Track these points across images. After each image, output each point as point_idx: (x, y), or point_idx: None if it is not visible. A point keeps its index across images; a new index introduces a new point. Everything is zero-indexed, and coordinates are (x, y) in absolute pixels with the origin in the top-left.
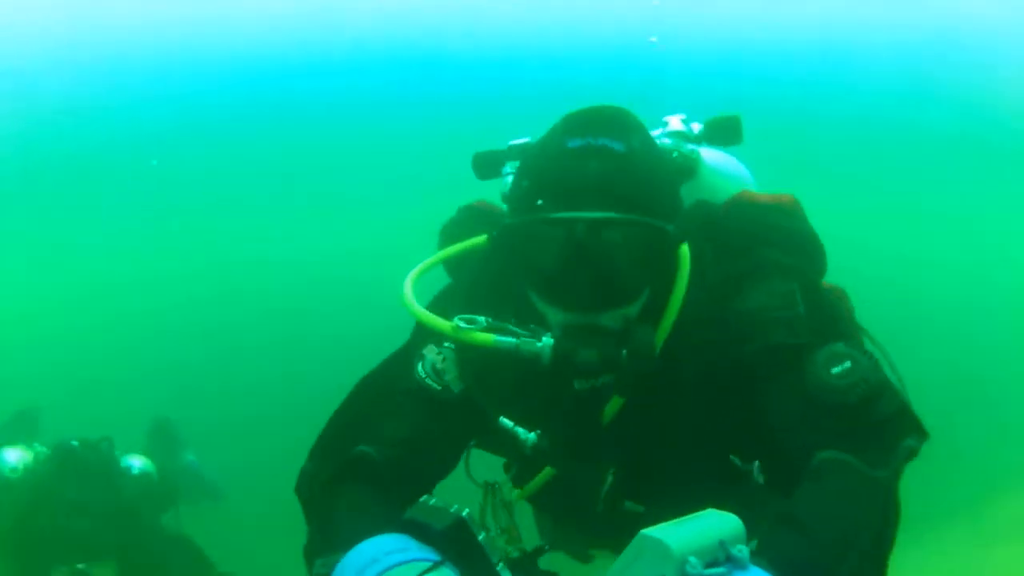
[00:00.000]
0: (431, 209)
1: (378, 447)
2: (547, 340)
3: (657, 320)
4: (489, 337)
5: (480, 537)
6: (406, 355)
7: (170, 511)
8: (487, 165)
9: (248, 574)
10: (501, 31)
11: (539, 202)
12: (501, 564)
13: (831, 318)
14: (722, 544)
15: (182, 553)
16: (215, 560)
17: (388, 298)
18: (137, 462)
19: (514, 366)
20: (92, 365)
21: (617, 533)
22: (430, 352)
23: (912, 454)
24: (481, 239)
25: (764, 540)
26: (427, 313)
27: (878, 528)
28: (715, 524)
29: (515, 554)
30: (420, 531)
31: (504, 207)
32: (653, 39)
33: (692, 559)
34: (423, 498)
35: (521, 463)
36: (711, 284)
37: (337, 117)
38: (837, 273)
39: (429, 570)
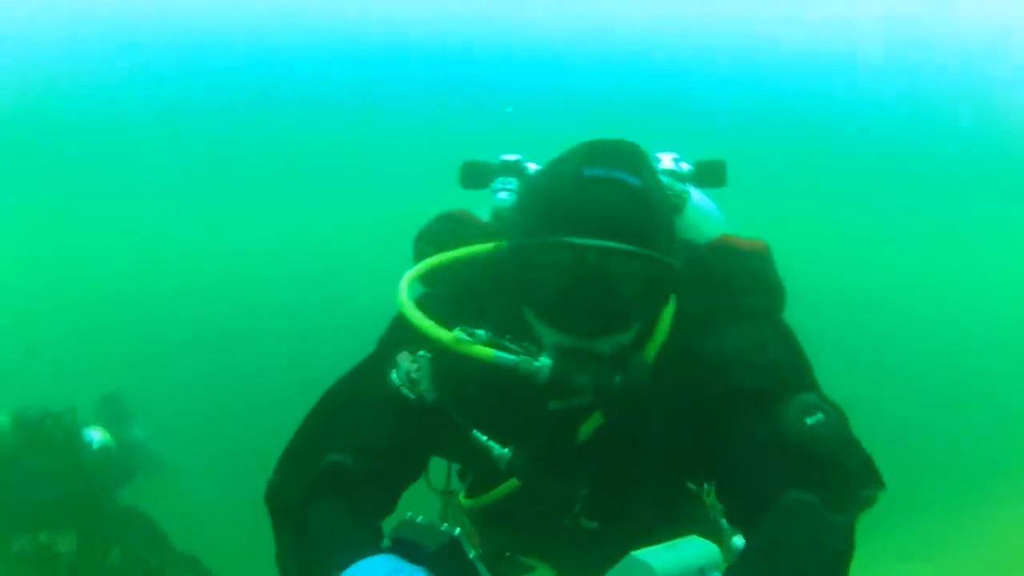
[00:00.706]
0: (405, 206)
1: (350, 455)
2: (544, 360)
3: (644, 348)
4: (490, 352)
5: (472, 556)
6: (377, 362)
7: (128, 485)
8: (475, 176)
9: (199, 548)
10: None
11: (552, 225)
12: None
13: (799, 367)
14: (701, 571)
15: (140, 527)
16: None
17: (348, 291)
18: (97, 435)
19: (493, 380)
20: (52, 340)
21: (568, 549)
22: (404, 360)
23: (871, 502)
24: (486, 247)
25: (735, 570)
26: (426, 320)
27: (835, 568)
28: (696, 551)
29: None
30: (411, 551)
31: (486, 219)
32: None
33: None
34: (409, 515)
35: (480, 474)
36: (689, 320)
37: (324, 109)
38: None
39: None
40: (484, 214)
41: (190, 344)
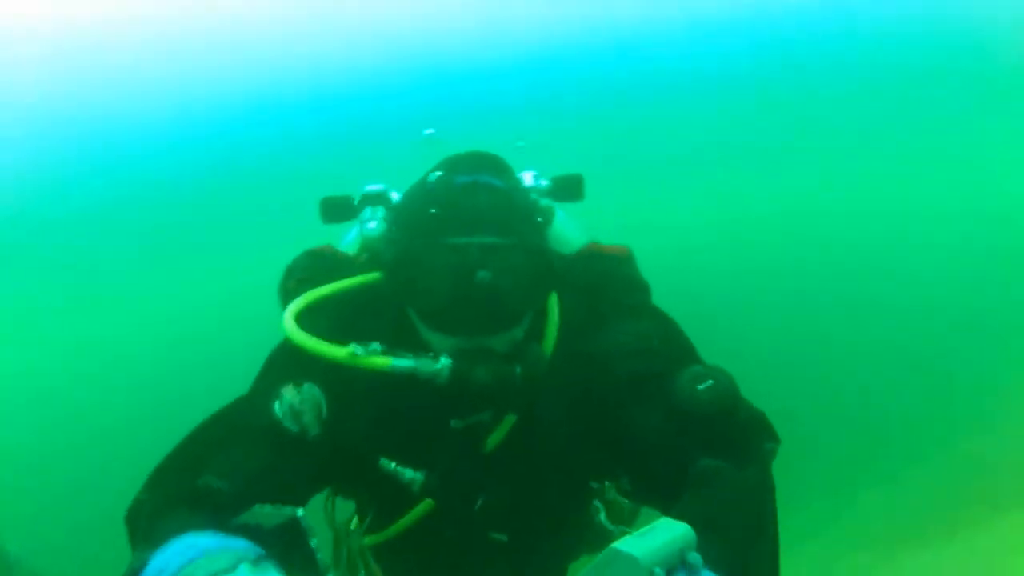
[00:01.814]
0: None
1: (222, 479)
2: (444, 361)
3: (539, 342)
4: (387, 361)
5: (312, 543)
6: (259, 394)
7: None
8: (337, 210)
9: None
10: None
11: (429, 232)
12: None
13: (683, 346)
14: (681, 552)
15: None
16: None
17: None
18: None
19: (390, 403)
20: None
21: (478, 567)
22: (288, 392)
23: (773, 455)
24: (370, 276)
25: None
26: (319, 341)
27: (759, 519)
28: (673, 533)
29: None
30: (249, 532)
31: (351, 252)
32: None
33: (657, 570)
34: (257, 505)
35: (382, 505)
36: (571, 323)
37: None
38: None
39: (253, 561)
40: (345, 247)
41: None
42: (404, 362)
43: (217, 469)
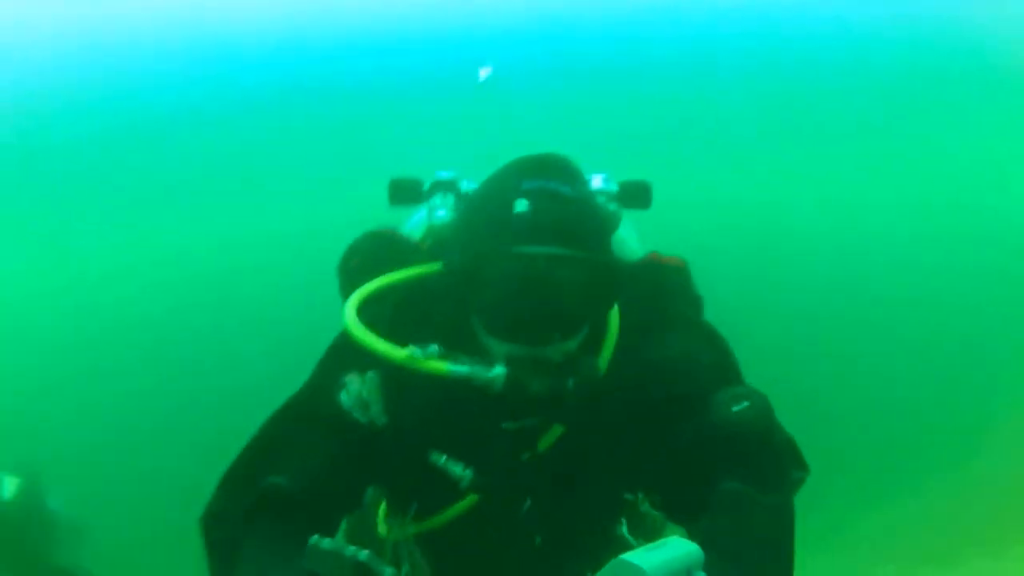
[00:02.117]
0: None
1: (291, 477)
2: (499, 369)
3: (594, 354)
4: (443, 365)
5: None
6: (324, 385)
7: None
8: (405, 193)
9: None
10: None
11: (496, 238)
12: None
13: (728, 366)
14: (688, 571)
15: None
16: None
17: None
18: (9, 486)
19: (445, 401)
20: None
21: (515, 569)
22: (354, 382)
23: (799, 484)
24: (432, 267)
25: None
26: (379, 340)
27: (776, 547)
28: (681, 551)
29: None
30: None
31: (414, 236)
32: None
33: None
34: (313, 540)
35: (426, 499)
36: (626, 335)
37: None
38: None
39: None
40: (408, 231)
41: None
42: (461, 368)
43: (284, 467)
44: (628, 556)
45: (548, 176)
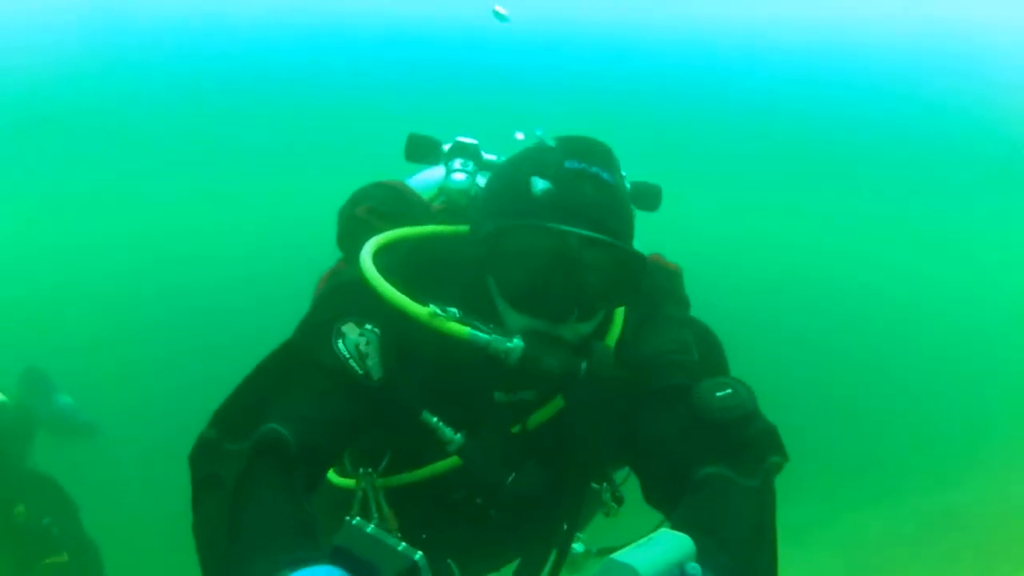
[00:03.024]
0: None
1: (290, 425)
2: (517, 342)
3: (605, 339)
4: (464, 330)
5: None
6: (321, 327)
7: (27, 447)
8: (423, 150)
9: (115, 517)
10: None
11: (532, 211)
12: None
13: (718, 360)
14: (679, 564)
15: (51, 493)
16: (81, 502)
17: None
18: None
19: (443, 363)
20: None
21: (478, 540)
22: (351, 331)
23: (778, 469)
24: (456, 228)
25: None
26: (397, 293)
27: (756, 529)
28: (672, 545)
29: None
30: (355, 565)
31: (426, 195)
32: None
33: None
34: (356, 521)
35: (403, 455)
36: (627, 327)
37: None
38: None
39: None
40: (418, 189)
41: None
42: (481, 335)
43: (282, 412)
44: (619, 556)
45: (591, 160)
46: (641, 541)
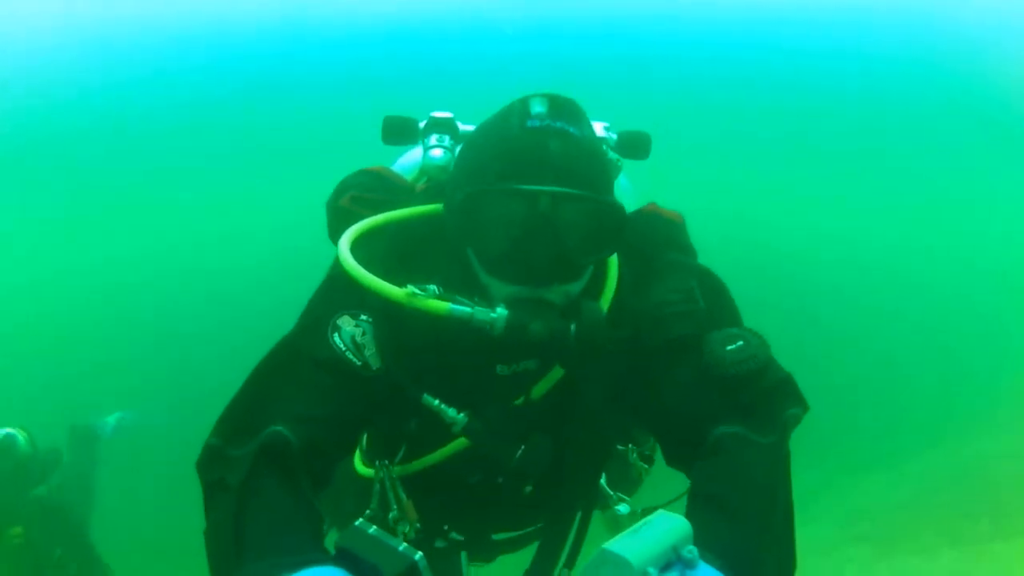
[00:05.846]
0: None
1: (292, 426)
2: (500, 311)
3: (597, 298)
4: (445, 305)
5: None
6: (317, 324)
7: (42, 485)
8: (399, 131)
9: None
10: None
11: (500, 175)
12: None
13: (726, 308)
14: (674, 548)
15: (53, 517)
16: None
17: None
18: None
19: (439, 344)
20: None
21: (500, 510)
22: (346, 324)
23: (796, 421)
24: (431, 207)
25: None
26: (375, 279)
27: (772, 488)
28: (665, 528)
29: (412, 534)
30: (358, 567)
31: (410, 177)
32: None
33: (651, 569)
34: (359, 522)
35: (415, 442)
36: (625, 282)
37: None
38: None
39: None
40: (403, 171)
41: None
42: (462, 308)
43: (284, 413)
44: (611, 545)
45: (553, 116)
46: (635, 526)
